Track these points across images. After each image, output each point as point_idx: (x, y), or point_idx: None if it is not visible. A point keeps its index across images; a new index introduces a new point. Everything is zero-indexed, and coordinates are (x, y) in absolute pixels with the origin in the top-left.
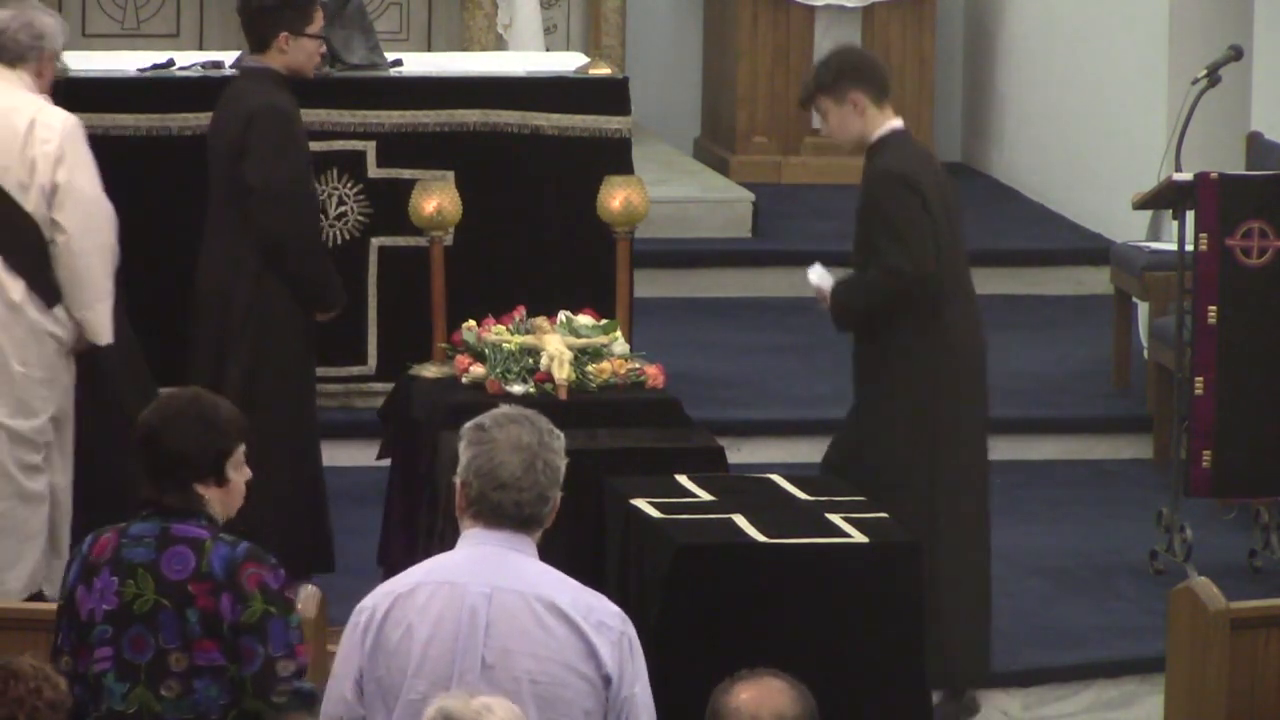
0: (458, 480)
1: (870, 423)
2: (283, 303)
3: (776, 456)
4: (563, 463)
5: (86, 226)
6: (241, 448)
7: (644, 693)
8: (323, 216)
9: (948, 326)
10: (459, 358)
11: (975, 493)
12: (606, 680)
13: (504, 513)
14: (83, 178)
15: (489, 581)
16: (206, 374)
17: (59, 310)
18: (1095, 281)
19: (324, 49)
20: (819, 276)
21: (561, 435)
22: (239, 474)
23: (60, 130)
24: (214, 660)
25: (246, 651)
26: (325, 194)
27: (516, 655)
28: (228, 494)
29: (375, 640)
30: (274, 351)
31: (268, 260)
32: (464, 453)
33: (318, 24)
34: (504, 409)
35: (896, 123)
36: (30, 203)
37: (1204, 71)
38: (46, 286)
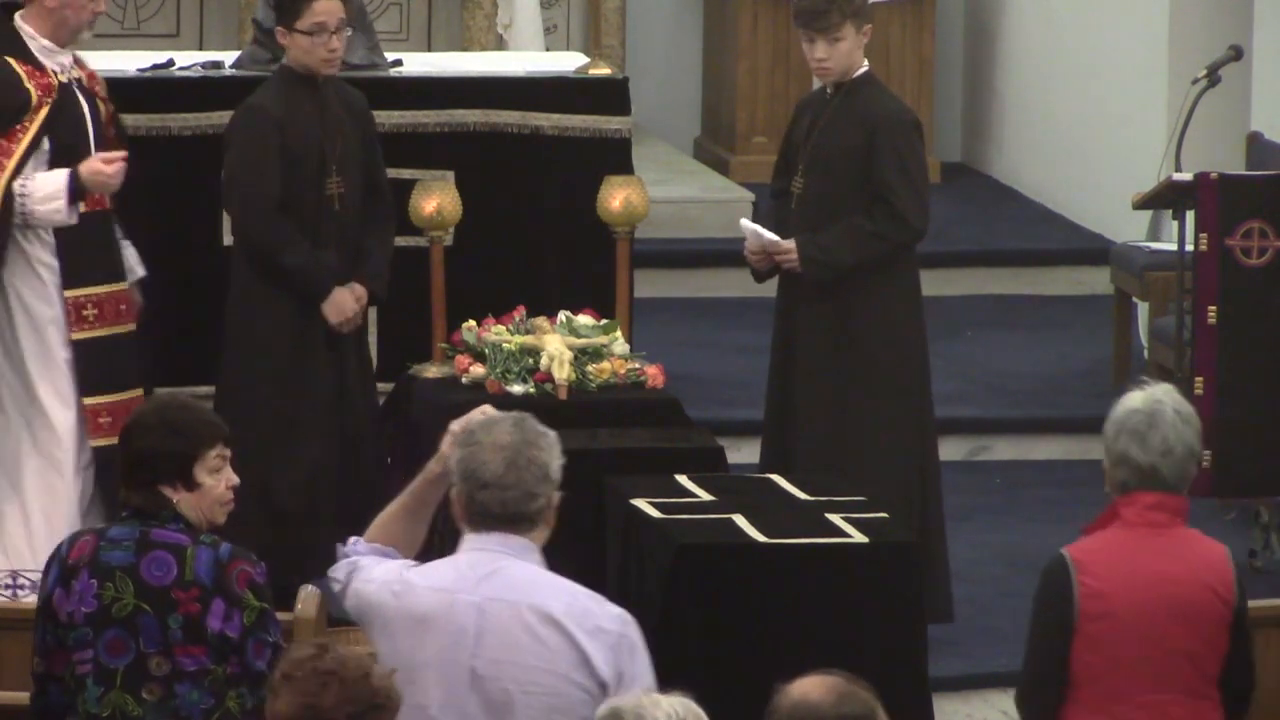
0: (452, 490)
1: (858, 392)
2: (268, 303)
3: None
4: (554, 461)
5: None
6: (214, 452)
7: None
8: None
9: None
10: (459, 358)
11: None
12: (603, 686)
13: (489, 513)
14: None
15: (481, 591)
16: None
17: None
18: (1095, 281)
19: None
20: (754, 231)
21: (552, 434)
22: (214, 478)
23: None
24: (199, 664)
25: (259, 647)
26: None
27: (508, 666)
28: (200, 498)
29: (388, 609)
30: (256, 351)
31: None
32: (452, 459)
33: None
34: (494, 413)
35: (866, 61)
36: None
37: (1204, 71)
38: None
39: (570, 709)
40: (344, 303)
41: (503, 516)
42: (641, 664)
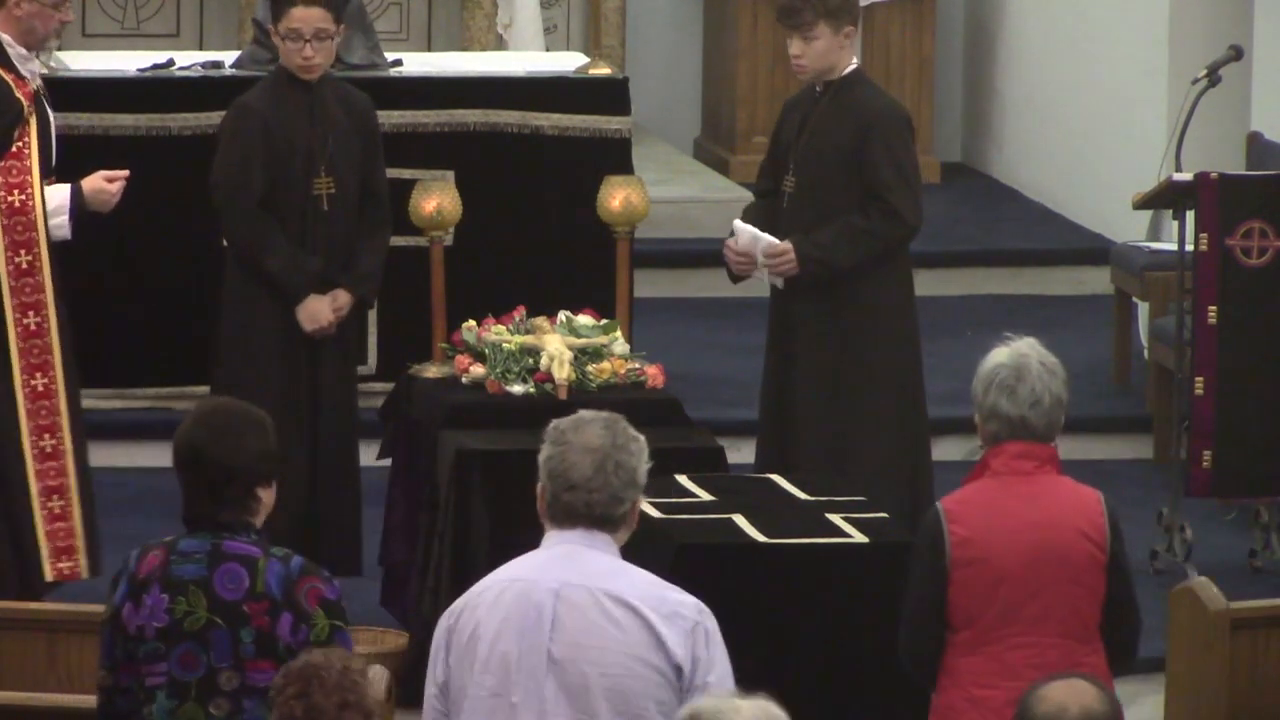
0: (538, 485)
1: (853, 395)
2: (259, 302)
3: None
4: (642, 465)
5: None
6: None
7: (721, 682)
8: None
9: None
10: (459, 358)
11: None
12: (678, 670)
13: (575, 513)
14: None
15: (558, 577)
16: None
17: None
18: (1095, 281)
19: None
20: (751, 234)
21: (642, 439)
22: None
23: None
24: (269, 679)
25: None
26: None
27: (584, 649)
28: (273, 492)
29: (448, 642)
30: (250, 351)
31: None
32: (541, 456)
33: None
34: (585, 412)
35: (857, 59)
36: None
37: (1204, 71)
38: None
39: (646, 692)
40: (318, 311)
41: (588, 517)
42: (717, 651)
